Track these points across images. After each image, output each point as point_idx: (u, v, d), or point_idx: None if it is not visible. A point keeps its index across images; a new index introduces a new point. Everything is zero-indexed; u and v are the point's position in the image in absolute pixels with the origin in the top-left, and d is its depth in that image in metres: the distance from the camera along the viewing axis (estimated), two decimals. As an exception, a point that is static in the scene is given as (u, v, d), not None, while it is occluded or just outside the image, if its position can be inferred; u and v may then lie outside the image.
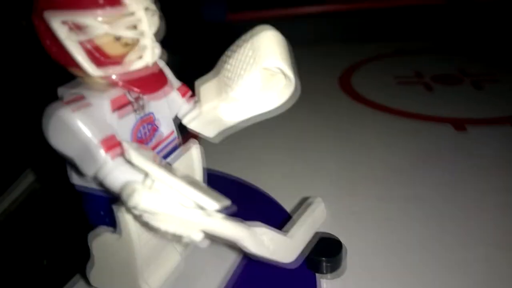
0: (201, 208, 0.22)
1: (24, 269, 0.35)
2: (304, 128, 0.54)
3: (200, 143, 0.30)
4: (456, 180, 0.42)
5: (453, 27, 0.91)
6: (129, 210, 0.23)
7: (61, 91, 0.23)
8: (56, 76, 0.23)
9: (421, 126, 0.53)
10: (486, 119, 0.54)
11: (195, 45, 0.81)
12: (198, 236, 0.22)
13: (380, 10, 0.95)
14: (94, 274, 0.28)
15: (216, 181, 0.30)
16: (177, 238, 0.23)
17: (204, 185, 0.23)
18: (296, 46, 0.28)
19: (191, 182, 0.22)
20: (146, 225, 0.24)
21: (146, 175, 0.22)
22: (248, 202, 0.37)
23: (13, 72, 0.50)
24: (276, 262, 0.28)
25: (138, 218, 0.23)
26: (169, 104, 0.28)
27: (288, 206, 0.39)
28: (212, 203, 0.21)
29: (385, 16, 0.95)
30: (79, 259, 0.29)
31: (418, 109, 0.57)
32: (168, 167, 0.23)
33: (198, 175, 0.30)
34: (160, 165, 0.22)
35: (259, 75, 0.24)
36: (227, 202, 0.22)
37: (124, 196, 0.21)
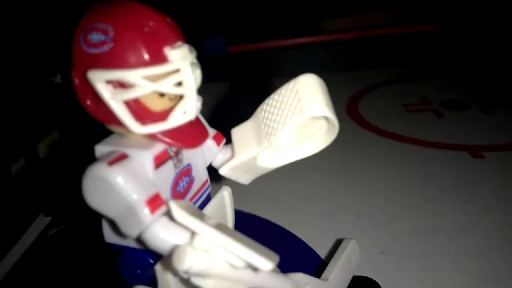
0: (252, 266, 0.21)
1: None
2: (317, 159, 0.53)
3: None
4: (485, 209, 0.42)
5: (455, 52, 0.92)
6: (174, 271, 0.21)
7: (99, 149, 0.22)
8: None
9: (439, 155, 0.52)
10: (501, 144, 0.54)
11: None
12: None
13: (380, 37, 0.96)
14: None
15: (243, 221, 0.29)
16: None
17: (249, 239, 0.22)
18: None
19: (237, 237, 0.21)
20: (187, 283, 0.23)
21: (193, 234, 0.21)
22: (280, 245, 0.36)
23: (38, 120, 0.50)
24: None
25: (179, 275, 0.22)
26: (204, 152, 0.27)
27: (313, 244, 0.38)
28: (266, 263, 0.20)
29: (386, 43, 0.96)
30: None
31: (432, 137, 0.57)
32: (202, 216, 0.23)
33: (230, 219, 0.30)
34: (207, 223, 0.21)
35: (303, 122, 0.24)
36: (277, 257, 0.21)
37: (175, 261, 0.20)
